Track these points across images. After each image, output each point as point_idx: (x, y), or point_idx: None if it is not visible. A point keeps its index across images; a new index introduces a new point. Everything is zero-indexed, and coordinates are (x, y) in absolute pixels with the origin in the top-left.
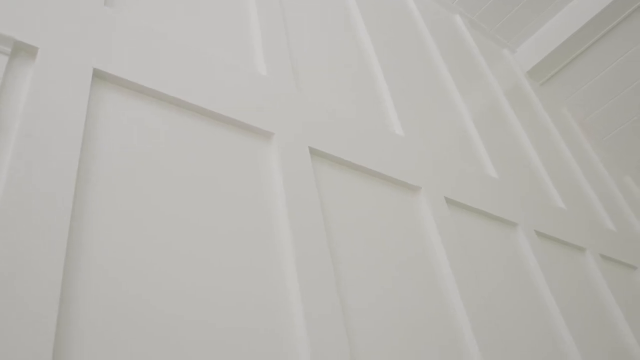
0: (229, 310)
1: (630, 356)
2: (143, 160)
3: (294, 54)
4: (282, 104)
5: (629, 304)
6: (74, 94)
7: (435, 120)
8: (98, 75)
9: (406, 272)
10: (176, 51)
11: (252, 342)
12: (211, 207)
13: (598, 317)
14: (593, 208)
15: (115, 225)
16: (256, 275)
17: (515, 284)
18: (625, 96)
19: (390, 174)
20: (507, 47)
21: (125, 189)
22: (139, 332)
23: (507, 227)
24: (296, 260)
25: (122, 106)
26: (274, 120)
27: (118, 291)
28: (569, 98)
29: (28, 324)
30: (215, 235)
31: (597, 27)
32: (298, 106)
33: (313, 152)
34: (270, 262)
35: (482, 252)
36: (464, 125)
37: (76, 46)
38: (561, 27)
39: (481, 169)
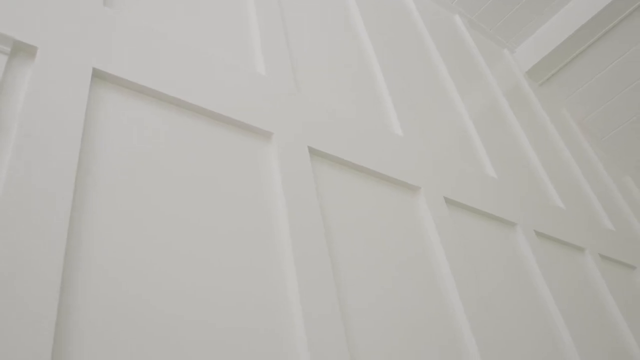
0: (229, 310)
1: (629, 356)
2: (143, 160)
3: (294, 54)
4: (281, 103)
5: (628, 304)
6: (73, 93)
7: (435, 120)
8: (98, 75)
9: (406, 272)
10: (176, 51)
11: (252, 342)
12: (211, 207)
13: (597, 317)
14: (592, 208)
15: (115, 225)
16: (256, 275)
17: (515, 283)
18: (624, 96)
19: (389, 174)
20: (507, 47)
21: (125, 189)
22: (139, 332)
23: (507, 227)
24: (296, 261)
25: (122, 106)
26: (274, 120)
27: (118, 291)
28: (568, 98)
29: (27, 323)
30: (215, 235)
31: (596, 27)
32: (297, 106)
33: (312, 152)
34: (270, 262)
35: (482, 252)
36: (463, 125)
37: (76, 46)
38: (560, 27)
39: (480, 169)
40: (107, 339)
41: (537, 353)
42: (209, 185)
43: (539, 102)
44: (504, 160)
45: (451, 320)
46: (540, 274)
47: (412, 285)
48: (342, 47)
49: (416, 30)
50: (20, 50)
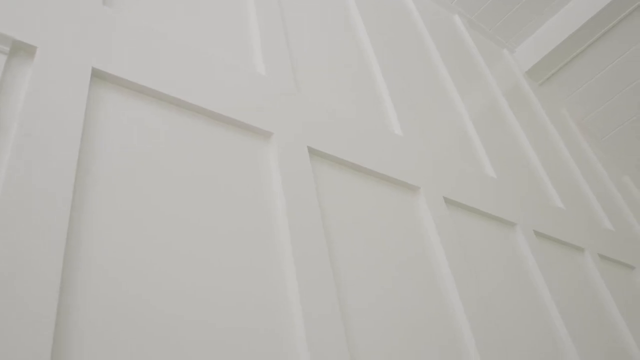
0: (229, 310)
1: (628, 356)
2: (143, 160)
3: (294, 54)
4: (281, 103)
5: (627, 304)
6: (73, 93)
7: (435, 120)
8: (97, 75)
9: (405, 272)
10: (176, 51)
11: (252, 342)
12: (211, 207)
13: (597, 317)
14: (592, 208)
15: (115, 225)
16: (256, 275)
17: (514, 283)
18: (624, 96)
19: (389, 174)
20: (506, 47)
21: (125, 189)
22: (139, 332)
23: (506, 227)
24: (295, 261)
25: (122, 106)
26: (273, 120)
27: (118, 291)
28: (567, 98)
29: (27, 323)
30: (215, 235)
31: (596, 27)
32: (297, 106)
33: (312, 152)
34: (270, 262)
35: (481, 252)
36: (463, 125)
37: (75, 46)
38: (560, 27)
39: (480, 169)
40: (107, 338)
41: (537, 352)
42: (208, 185)
43: (538, 102)
44: (504, 160)
45: (451, 320)
46: (539, 274)
47: (412, 285)
48: (342, 47)
49: (416, 30)
50: (20, 50)
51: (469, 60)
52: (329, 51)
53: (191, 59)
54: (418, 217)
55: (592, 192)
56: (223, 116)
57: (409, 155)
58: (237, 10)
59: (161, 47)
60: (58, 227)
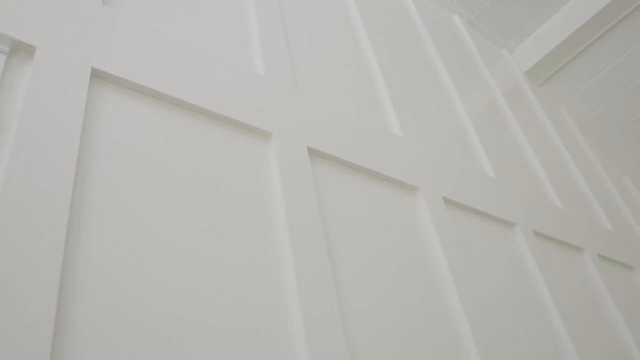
0: (229, 310)
1: (627, 356)
2: (142, 159)
3: (294, 54)
4: (281, 103)
5: (627, 304)
6: (72, 93)
7: (434, 120)
8: (97, 75)
9: (405, 272)
10: (176, 51)
11: (251, 342)
12: (210, 207)
13: (596, 317)
14: (591, 208)
15: (114, 224)
16: (255, 275)
17: (514, 283)
18: (623, 96)
19: (389, 174)
20: (506, 47)
21: (125, 189)
22: (139, 332)
23: (506, 227)
24: (295, 261)
25: (121, 106)
26: (273, 120)
27: (118, 291)
28: (567, 98)
29: (27, 323)
30: (214, 235)
31: (595, 27)
32: (297, 106)
33: (312, 152)
34: (270, 262)
35: (481, 252)
36: (462, 126)
37: (75, 45)
38: (560, 27)
39: (479, 169)
40: (106, 338)
41: (536, 352)
42: (208, 185)
43: (538, 102)
44: (503, 160)
45: (450, 320)
46: (539, 274)
47: (412, 285)
48: (342, 47)
49: (415, 31)
50: (20, 50)
51: (468, 60)
52: (329, 51)
53: (191, 59)
54: (417, 217)
55: (591, 192)
56: (223, 116)
57: (409, 156)
58: (237, 10)
59: (161, 47)
60: (57, 226)
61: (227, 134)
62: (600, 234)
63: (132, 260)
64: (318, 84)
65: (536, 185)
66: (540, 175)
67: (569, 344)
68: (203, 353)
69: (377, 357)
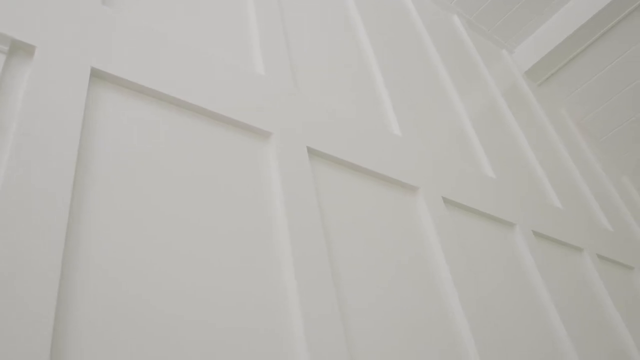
0: (229, 310)
1: (627, 356)
2: (142, 159)
3: (293, 54)
4: (281, 103)
5: (626, 305)
6: (72, 93)
7: (434, 120)
8: (96, 75)
9: (405, 272)
10: (176, 51)
11: (251, 342)
12: (210, 207)
13: (595, 318)
14: (590, 208)
15: (114, 224)
16: (255, 275)
17: (513, 284)
18: (623, 97)
19: (388, 174)
20: (505, 48)
21: (125, 189)
22: (139, 332)
23: (505, 228)
24: (295, 261)
25: (121, 106)
26: (273, 120)
27: (117, 291)
28: (566, 98)
29: (26, 323)
30: (214, 235)
31: (595, 27)
32: (297, 106)
33: (311, 152)
34: (270, 262)
35: (480, 252)
36: (462, 126)
37: (74, 45)
38: (559, 28)
39: (479, 169)
40: (106, 338)
41: (536, 353)
42: (208, 185)
43: (537, 102)
44: (503, 160)
45: (450, 320)
46: (538, 274)
47: (411, 285)
48: (342, 47)
49: (415, 31)
50: (19, 50)
51: (468, 60)
52: (329, 51)
53: (191, 59)
54: (417, 217)
55: (591, 193)
56: (222, 116)
57: (409, 156)
58: (237, 11)
59: (161, 47)
60: (57, 226)
61: (227, 134)
62: (599, 234)
63: (132, 260)
64: (318, 84)
65: (536, 186)
66: (539, 175)
67: (568, 344)
68: (203, 353)
69: (376, 357)
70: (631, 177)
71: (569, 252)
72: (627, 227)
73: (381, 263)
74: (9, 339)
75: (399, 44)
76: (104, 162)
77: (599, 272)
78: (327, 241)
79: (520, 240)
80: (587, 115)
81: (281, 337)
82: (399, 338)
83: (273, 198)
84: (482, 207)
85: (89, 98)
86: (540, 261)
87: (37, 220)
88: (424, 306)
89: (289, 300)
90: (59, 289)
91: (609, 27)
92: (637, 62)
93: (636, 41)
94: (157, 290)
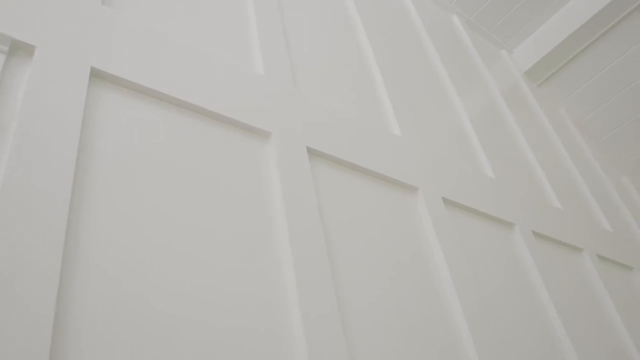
0: (229, 310)
1: (626, 356)
2: (142, 159)
3: (293, 54)
4: (280, 103)
5: (626, 305)
6: (72, 93)
7: (434, 120)
8: (96, 75)
9: (404, 272)
10: (176, 51)
11: (251, 342)
12: (210, 206)
13: (595, 318)
14: (590, 208)
15: (114, 224)
16: (255, 275)
17: (513, 284)
18: (622, 97)
19: (388, 174)
20: (505, 48)
21: (125, 189)
22: (139, 332)
23: (505, 228)
24: (295, 260)
25: (121, 106)
26: (273, 120)
27: (117, 291)
28: (566, 98)
29: (26, 323)
30: (214, 235)
31: (594, 27)
32: (296, 106)
33: (311, 152)
34: (269, 262)
35: (480, 252)
36: (461, 126)
37: (74, 45)
38: (559, 28)
39: (479, 170)
40: (106, 338)
41: (535, 353)
42: (208, 185)
43: (537, 102)
44: (503, 160)
45: (450, 320)
46: (538, 274)
47: (411, 285)
48: (342, 47)
49: (415, 31)
50: (19, 49)
51: (467, 60)
52: (329, 51)
53: (191, 59)
54: (417, 217)
55: (590, 193)
56: (222, 116)
57: (408, 156)
58: (237, 11)
59: (161, 47)
60: (57, 226)
61: (227, 134)
62: (599, 235)
63: (132, 260)
64: (318, 84)
65: (535, 186)
66: (539, 175)
67: (568, 344)
68: (203, 353)
69: (376, 357)
70: (631, 177)
71: (568, 252)
72: (626, 228)
73: (381, 263)
74: (9, 339)
75: (398, 44)
76: (104, 162)
77: (598, 272)
78: (327, 241)
79: (520, 240)
80: (587, 115)
81: (281, 337)
82: (399, 338)
83: (273, 198)
84: (481, 207)
85: (88, 98)
86: (539, 261)
87: (37, 220)
88: (424, 306)
89: (289, 300)
90: (58, 289)
91: (608, 27)
92: (637, 62)
93: (636, 41)
94: (157, 290)
